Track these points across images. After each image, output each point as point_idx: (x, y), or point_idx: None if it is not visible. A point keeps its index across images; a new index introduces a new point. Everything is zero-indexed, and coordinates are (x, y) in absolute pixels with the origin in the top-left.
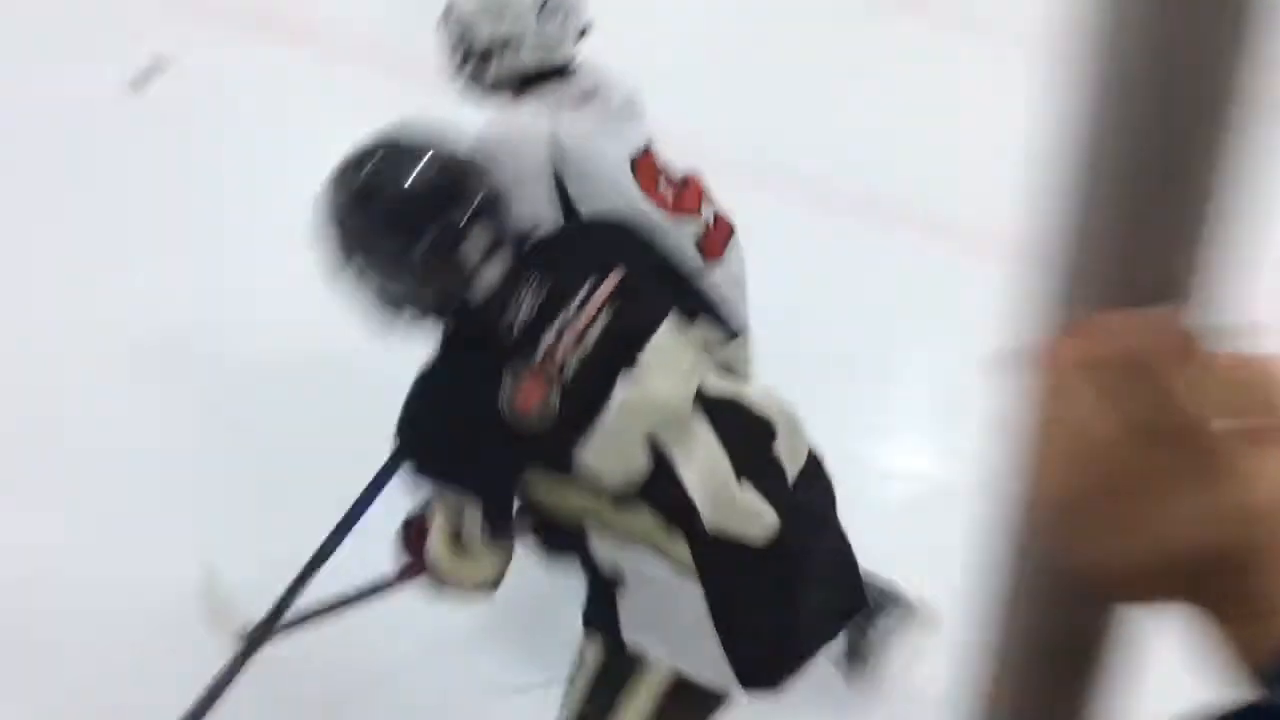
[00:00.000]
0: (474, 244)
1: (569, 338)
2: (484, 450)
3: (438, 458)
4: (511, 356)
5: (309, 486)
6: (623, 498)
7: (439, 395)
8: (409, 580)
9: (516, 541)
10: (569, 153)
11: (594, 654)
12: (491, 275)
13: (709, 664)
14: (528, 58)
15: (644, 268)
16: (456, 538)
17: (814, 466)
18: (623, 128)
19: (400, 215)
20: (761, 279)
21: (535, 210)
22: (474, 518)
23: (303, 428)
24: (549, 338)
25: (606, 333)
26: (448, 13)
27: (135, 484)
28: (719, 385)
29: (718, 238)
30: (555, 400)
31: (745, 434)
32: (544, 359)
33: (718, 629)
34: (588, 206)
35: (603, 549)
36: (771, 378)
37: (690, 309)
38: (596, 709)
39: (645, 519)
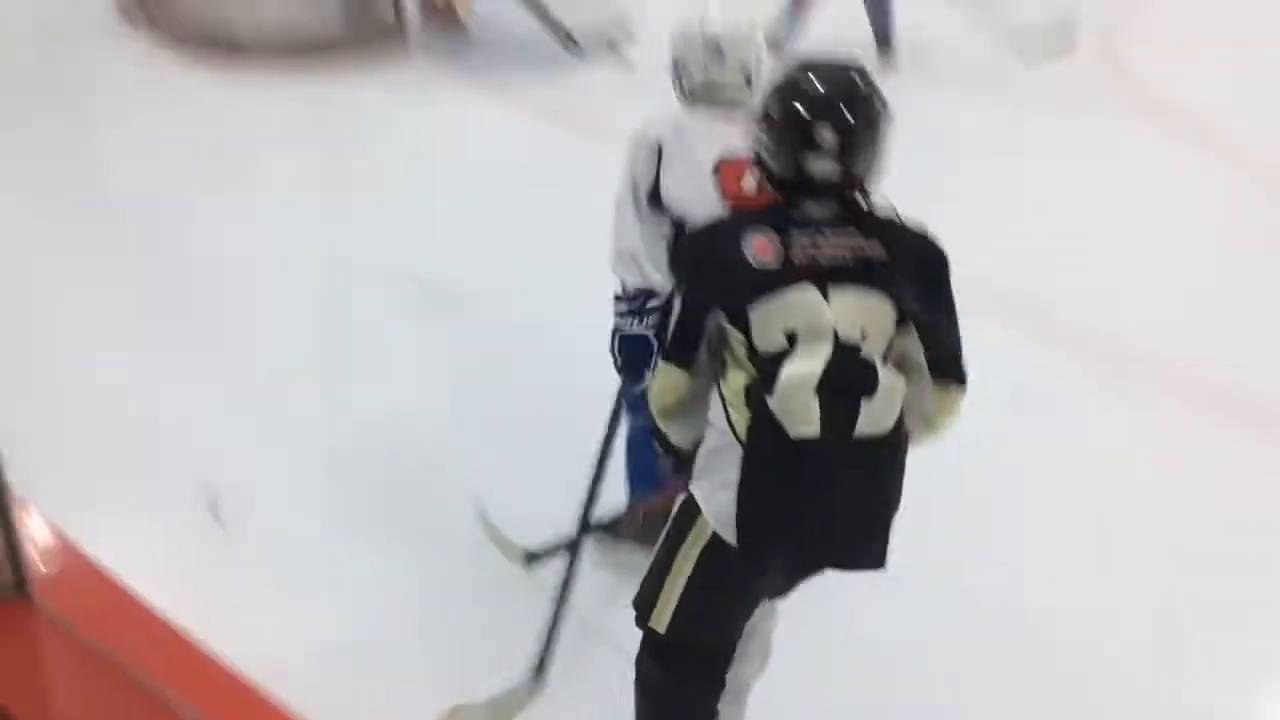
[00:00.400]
0: (833, 140)
1: (817, 245)
2: (708, 280)
3: (683, 269)
4: (778, 226)
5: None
6: (742, 358)
7: (714, 227)
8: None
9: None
10: (669, 143)
11: (679, 505)
12: (824, 169)
13: (725, 519)
14: (696, 80)
15: (902, 270)
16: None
17: (890, 445)
18: (727, 136)
19: (817, 99)
20: None
21: (643, 171)
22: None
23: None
24: (808, 233)
25: (832, 263)
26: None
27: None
28: (853, 335)
29: None
30: (775, 264)
31: (849, 373)
32: (790, 238)
33: (739, 490)
34: (670, 182)
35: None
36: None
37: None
38: (665, 555)
39: (740, 380)
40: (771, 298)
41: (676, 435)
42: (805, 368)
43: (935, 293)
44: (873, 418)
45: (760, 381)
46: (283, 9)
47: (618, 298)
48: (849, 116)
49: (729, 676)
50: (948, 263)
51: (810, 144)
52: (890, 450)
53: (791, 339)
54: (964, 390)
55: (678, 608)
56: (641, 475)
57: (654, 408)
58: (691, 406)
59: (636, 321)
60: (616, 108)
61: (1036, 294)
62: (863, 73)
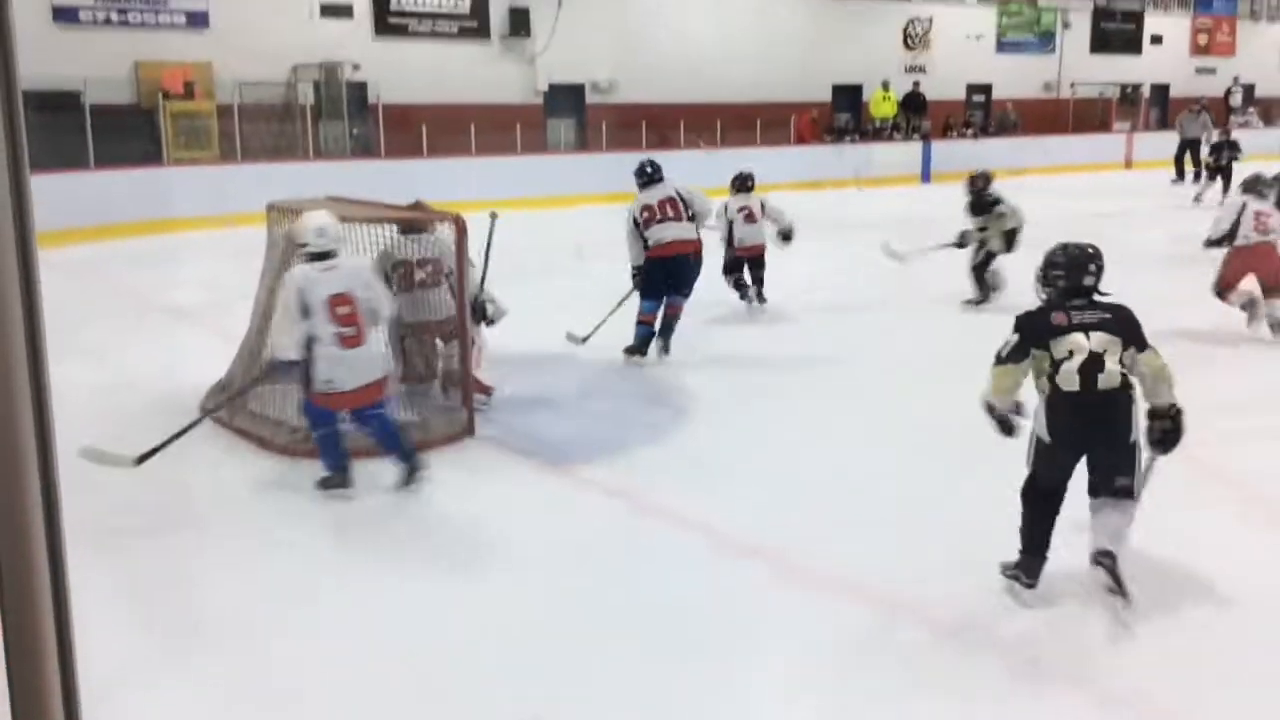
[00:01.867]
0: (1096, 271)
1: (1083, 314)
2: (1033, 331)
3: (1020, 327)
4: (1065, 309)
5: None
6: (1044, 361)
7: (1037, 310)
8: None
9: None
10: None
11: (1033, 432)
12: (1089, 283)
13: (1043, 431)
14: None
15: (1117, 323)
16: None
17: (1118, 392)
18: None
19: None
20: None
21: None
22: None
23: None
24: (1079, 311)
25: (1089, 321)
26: None
27: None
28: (1100, 350)
29: None
30: (1065, 324)
31: (1094, 365)
32: (1070, 313)
33: (1047, 417)
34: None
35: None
36: None
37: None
38: (1030, 451)
39: (1044, 370)
40: (1062, 338)
41: (1002, 404)
42: (1074, 363)
43: (1133, 329)
44: (1106, 379)
45: (1053, 370)
46: None
47: None
48: (1100, 261)
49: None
50: (1136, 318)
51: (1087, 272)
52: (1117, 395)
53: (1070, 353)
54: (1155, 350)
55: (1032, 471)
56: None
57: (994, 389)
58: (1012, 389)
59: None
60: (655, 484)
61: None
62: (1096, 247)
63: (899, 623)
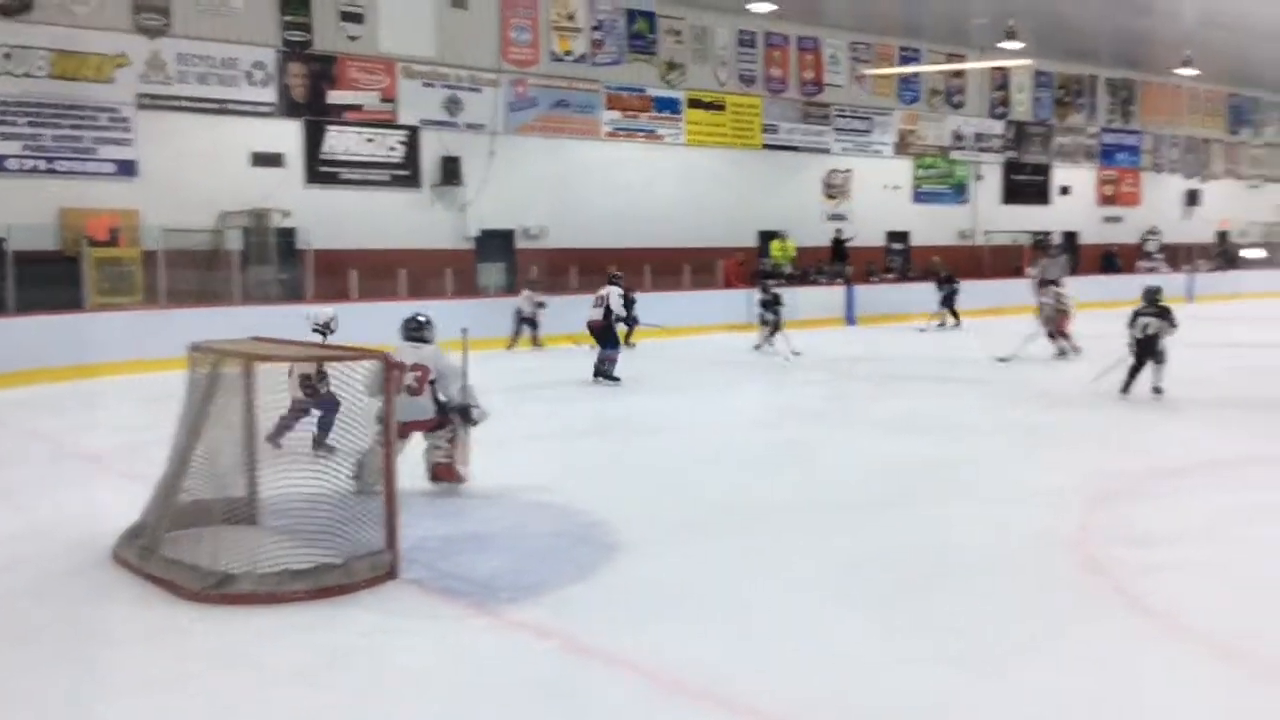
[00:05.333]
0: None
1: (1146, 314)
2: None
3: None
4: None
5: None
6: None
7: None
8: None
9: None
10: None
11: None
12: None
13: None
14: None
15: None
16: None
17: (1152, 338)
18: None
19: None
20: None
21: None
22: None
23: None
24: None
25: (1149, 312)
26: None
27: None
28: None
29: None
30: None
31: (1149, 327)
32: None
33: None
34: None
35: None
36: None
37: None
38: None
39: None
40: (1137, 320)
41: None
42: (1138, 328)
43: (1167, 314)
44: (1149, 331)
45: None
46: (276, 548)
47: None
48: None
49: None
50: (1171, 312)
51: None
52: (1152, 339)
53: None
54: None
55: None
56: None
57: None
58: None
59: None
60: (587, 625)
61: None
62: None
63: None
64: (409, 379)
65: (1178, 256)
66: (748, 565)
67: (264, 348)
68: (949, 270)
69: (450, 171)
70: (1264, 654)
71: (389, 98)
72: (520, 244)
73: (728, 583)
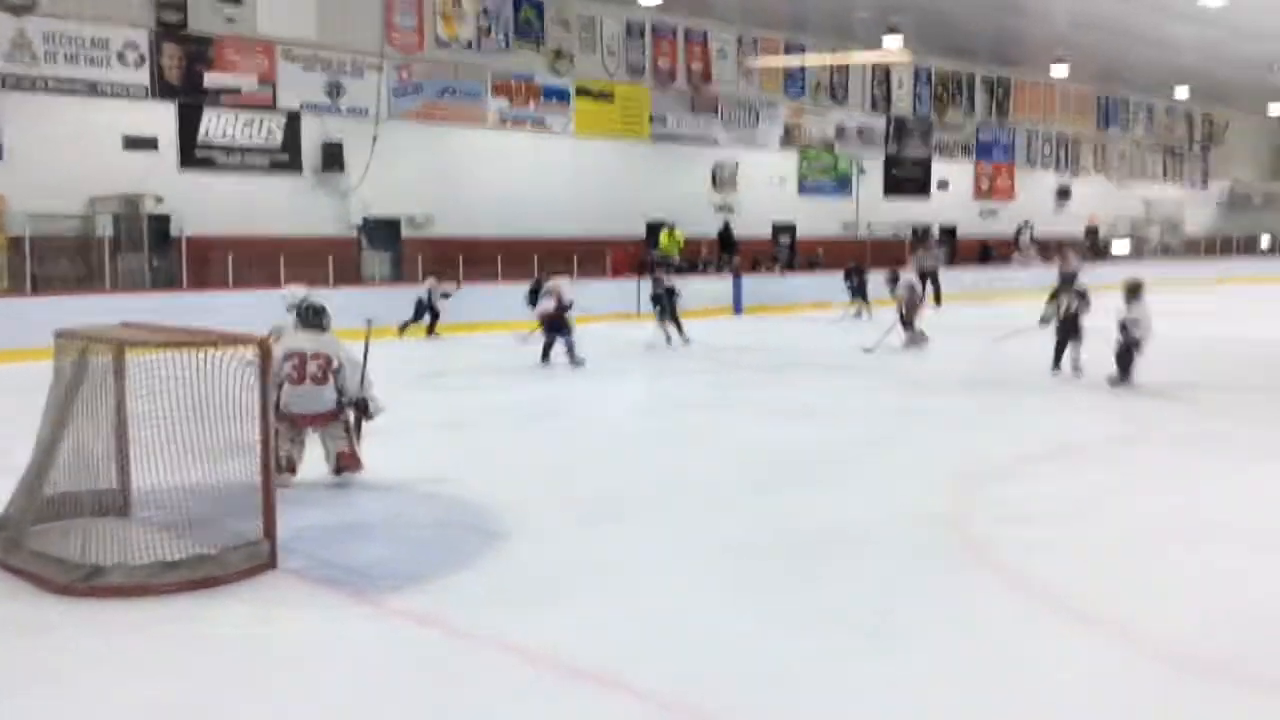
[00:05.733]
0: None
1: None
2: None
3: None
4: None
5: None
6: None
7: None
8: None
9: None
10: None
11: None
12: None
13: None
14: None
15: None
16: None
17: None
18: None
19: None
20: None
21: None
22: None
23: None
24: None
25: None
26: None
27: None
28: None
29: None
30: None
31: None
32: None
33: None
34: None
35: None
36: None
37: None
38: None
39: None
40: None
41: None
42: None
43: (1084, 296)
44: (1071, 309)
45: None
46: (148, 540)
47: None
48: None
49: None
50: (1139, 285)
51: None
52: (1074, 318)
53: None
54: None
55: None
56: None
57: None
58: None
59: None
60: (472, 612)
61: None
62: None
63: None
64: (312, 368)
65: (1049, 250)
66: (635, 551)
67: (133, 333)
68: (857, 261)
69: (332, 157)
70: (1142, 627)
71: (268, 81)
72: (406, 232)
73: (615, 568)
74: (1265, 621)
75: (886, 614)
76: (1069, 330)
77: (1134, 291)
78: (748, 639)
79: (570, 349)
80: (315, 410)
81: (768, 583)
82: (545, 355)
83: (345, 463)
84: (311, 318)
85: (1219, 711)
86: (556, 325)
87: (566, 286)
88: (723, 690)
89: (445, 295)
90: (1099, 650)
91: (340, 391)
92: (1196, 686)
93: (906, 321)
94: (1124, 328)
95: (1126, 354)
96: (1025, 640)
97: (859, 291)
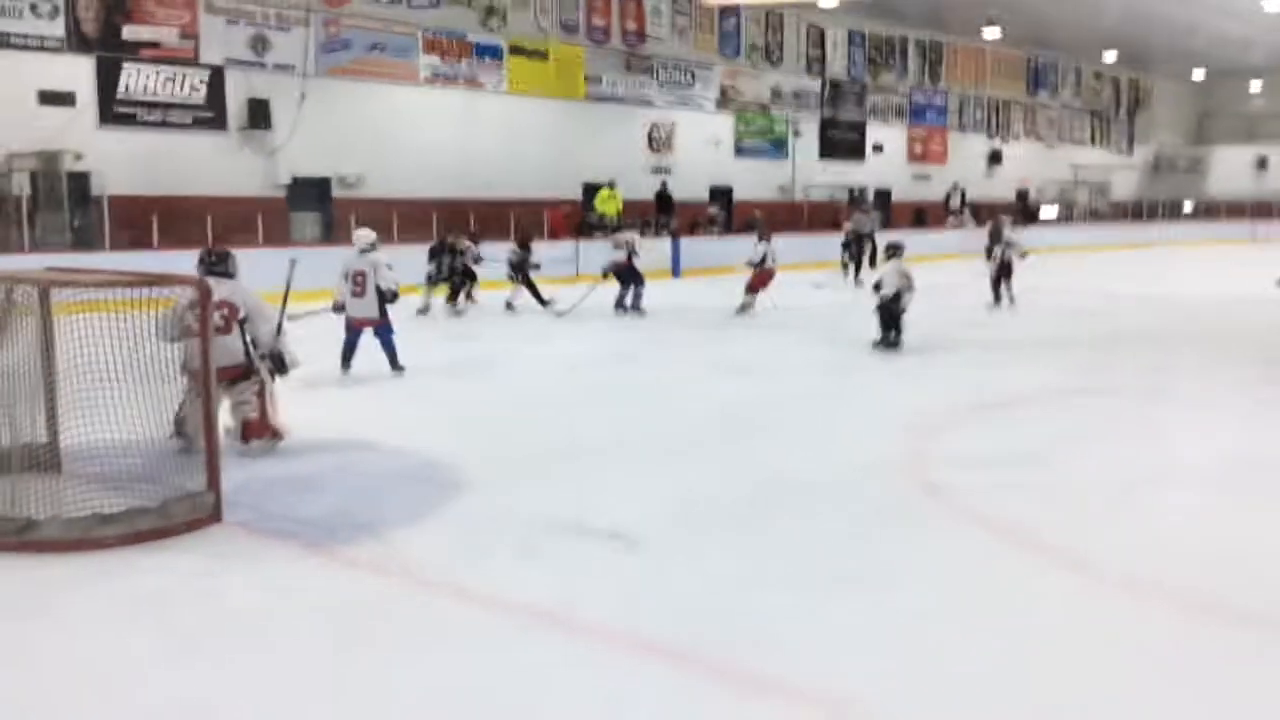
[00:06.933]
0: None
1: None
2: None
3: None
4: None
5: None
6: None
7: None
8: None
9: None
10: None
11: None
12: None
13: None
14: None
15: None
16: None
17: None
18: None
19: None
20: None
21: None
22: None
23: None
24: None
25: None
26: None
27: None
28: None
29: None
30: None
31: None
32: None
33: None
34: None
35: None
36: None
37: None
38: None
39: None
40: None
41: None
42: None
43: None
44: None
45: None
46: (84, 493)
47: None
48: None
49: None
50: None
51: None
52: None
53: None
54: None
55: None
56: None
57: None
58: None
59: None
60: (430, 561)
61: None
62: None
63: (710, 691)
64: (215, 318)
65: (980, 214)
66: (587, 501)
67: (63, 276)
68: (857, 229)
69: (259, 114)
70: (1106, 561)
71: (190, 35)
72: (336, 192)
73: (567, 517)
74: (1229, 557)
75: (857, 558)
76: (1002, 272)
77: (891, 252)
78: (703, 582)
79: (639, 298)
80: (220, 363)
81: (732, 531)
82: (620, 303)
83: (253, 430)
84: (214, 264)
85: (1182, 639)
86: (630, 275)
87: (637, 239)
88: (695, 636)
89: (478, 260)
90: (1069, 586)
91: (254, 344)
92: (1162, 616)
93: (751, 289)
94: (877, 287)
95: (888, 315)
96: (996, 579)
97: (855, 260)
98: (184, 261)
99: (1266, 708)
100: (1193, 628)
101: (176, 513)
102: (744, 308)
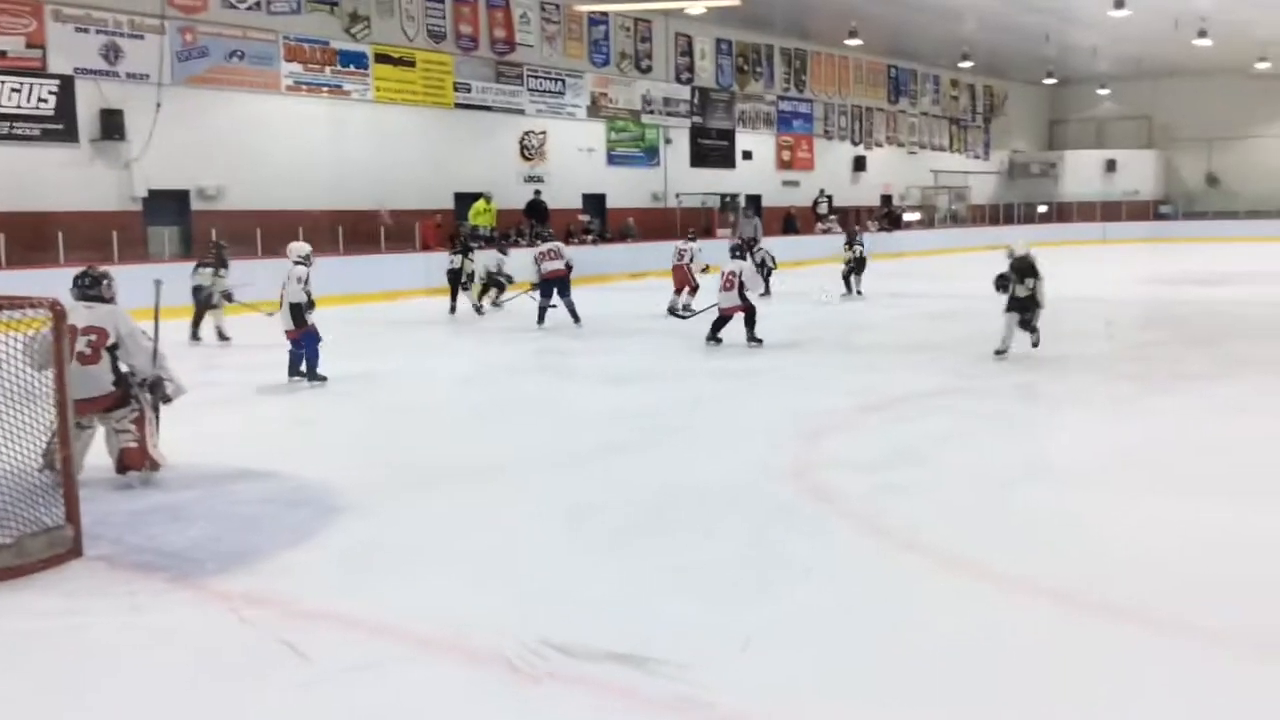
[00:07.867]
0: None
1: None
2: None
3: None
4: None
5: None
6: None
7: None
8: None
9: None
10: None
11: None
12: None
13: None
14: None
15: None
16: None
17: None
18: None
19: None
20: None
21: None
22: None
23: None
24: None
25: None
26: None
27: None
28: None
29: None
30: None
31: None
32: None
33: None
34: None
35: None
36: None
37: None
38: None
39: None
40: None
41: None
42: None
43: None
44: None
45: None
46: None
47: None
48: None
49: None
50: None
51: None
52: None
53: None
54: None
55: None
56: None
57: None
58: None
59: None
60: (309, 590)
61: None
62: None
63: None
64: (80, 344)
65: (847, 219)
66: (474, 517)
67: None
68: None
69: (112, 125)
70: (990, 561)
71: (37, 43)
72: (196, 205)
73: (455, 535)
74: (1108, 555)
75: (744, 564)
76: (854, 268)
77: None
78: (596, 598)
79: (572, 308)
80: (88, 394)
81: (626, 543)
82: (542, 317)
83: (130, 460)
84: (88, 286)
85: (1072, 634)
86: (562, 286)
87: (564, 247)
88: (600, 651)
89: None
90: (957, 585)
91: (129, 372)
92: (1050, 612)
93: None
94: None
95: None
96: (891, 581)
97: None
98: (37, 281)
99: (1138, 700)
100: (1069, 621)
101: (33, 549)
102: (685, 308)
